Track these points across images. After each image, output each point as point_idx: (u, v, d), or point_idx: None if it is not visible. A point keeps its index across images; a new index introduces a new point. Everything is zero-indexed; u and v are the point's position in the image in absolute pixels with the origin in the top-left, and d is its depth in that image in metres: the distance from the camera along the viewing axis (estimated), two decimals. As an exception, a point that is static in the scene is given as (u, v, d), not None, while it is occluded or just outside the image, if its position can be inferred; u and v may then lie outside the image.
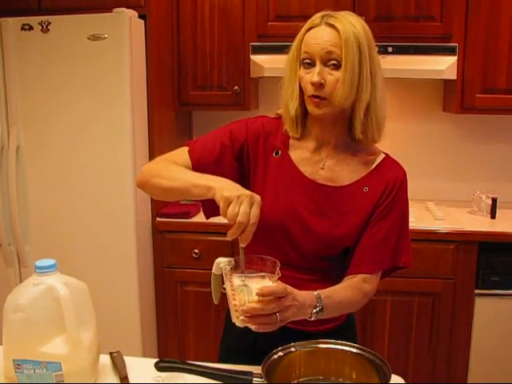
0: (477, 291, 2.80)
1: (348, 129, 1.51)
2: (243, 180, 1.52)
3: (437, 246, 2.79)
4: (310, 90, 1.42)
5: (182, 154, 1.53)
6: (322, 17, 1.42)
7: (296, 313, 1.27)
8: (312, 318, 1.33)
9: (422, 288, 2.82)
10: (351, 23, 1.39)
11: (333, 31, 1.39)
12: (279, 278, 1.27)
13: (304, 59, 1.42)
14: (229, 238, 1.25)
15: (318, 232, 1.48)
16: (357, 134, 1.48)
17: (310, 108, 1.45)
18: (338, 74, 1.39)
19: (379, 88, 1.45)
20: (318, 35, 1.40)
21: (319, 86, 1.39)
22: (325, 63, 1.39)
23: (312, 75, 1.40)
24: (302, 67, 1.44)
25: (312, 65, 1.41)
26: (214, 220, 1.59)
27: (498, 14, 2.87)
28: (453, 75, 2.92)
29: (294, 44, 1.47)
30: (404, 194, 1.53)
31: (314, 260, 1.51)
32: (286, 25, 2.94)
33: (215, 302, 1.48)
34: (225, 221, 1.25)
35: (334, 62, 1.38)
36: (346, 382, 1.31)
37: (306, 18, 1.47)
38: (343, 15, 1.42)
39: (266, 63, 2.98)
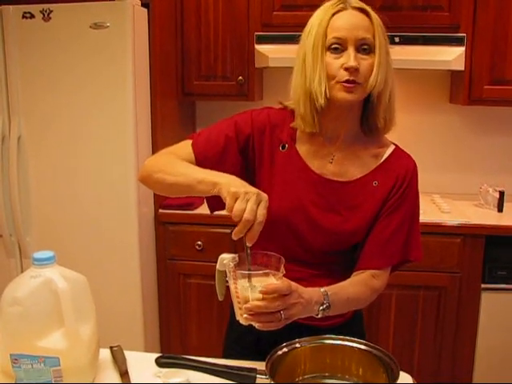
0: (483, 285, 2.77)
1: (360, 120, 1.48)
2: (248, 174, 1.48)
3: (443, 239, 2.76)
4: (343, 76, 1.35)
5: (186, 147, 1.49)
6: (343, 1, 1.38)
7: (302, 310, 1.24)
8: (319, 316, 1.30)
9: (428, 282, 2.80)
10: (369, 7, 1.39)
11: (362, 16, 1.36)
12: (284, 275, 1.24)
13: (332, 44, 1.36)
14: (234, 237, 1.20)
15: (327, 228, 1.45)
16: (379, 122, 1.44)
17: (341, 94, 1.37)
18: (370, 59, 1.36)
19: (394, 73, 1.44)
20: (349, 20, 1.36)
21: (355, 70, 1.35)
22: (357, 48, 1.35)
23: (346, 59, 1.34)
24: (327, 52, 1.37)
25: (341, 50, 1.36)
26: (217, 212, 1.54)
27: (506, 4, 2.82)
28: (460, 66, 2.88)
29: (316, 30, 1.38)
30: (414, 187, 1.50)
31: (320, 255, 1.48)
32: (292, 14, 2.91)
33: (220, 298, 1.45)
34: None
35: (366, 46, 1.35)
36: (351, 379, 1.29)
37: (312, 7, 1.43)
38: (357, 1, 1.39)
39: (271, 53, 2.94)
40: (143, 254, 2.84)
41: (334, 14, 1.37)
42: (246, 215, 1.17)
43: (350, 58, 1.34)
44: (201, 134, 1.52)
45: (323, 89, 1.38)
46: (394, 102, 1.46)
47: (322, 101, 1.39)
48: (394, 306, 2.85)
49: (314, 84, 1.38)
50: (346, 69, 1.34)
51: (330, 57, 1.37)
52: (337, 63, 1.36)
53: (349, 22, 1.35)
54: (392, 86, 1.43)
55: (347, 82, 1.35)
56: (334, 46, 1.36)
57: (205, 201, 1.51)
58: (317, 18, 1.40)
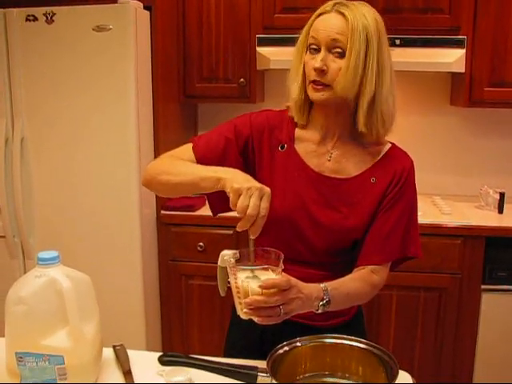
0: (483, 286, 2.78)
1: (352, 120, 1.50)
2: (249, 174, 1.49)
3: (443, 240, 2.76)
4: (312, 76, 1.41)
5: (187, 150, 1.52)
6: (334, 4, 1.41)
7: (301, 305, 1.26)
8: (319, 311, 1.31)
9: (428, 283, 2.80)
10: (363, 14, 1.38)
11: (341, 19, 1.37)
12: (283, 271, 1.26)
13: (310, 44, 1.41)
14: (238, 230, 1.24)
15: (328, 225, 1.47)
16: (360, 127, 1.46)
17: (311, 93, 1.43)
18: (341, 62, 1.38)
19: (386, 83, 1.42)
20: (327, 22, 1.39)
21: (321, 72, 1.38)
22: (330, 50, 1.38)
23: (315, 61, 1.39)
24: (308, 52, 1.43)
25: (318, 51, 1.40)
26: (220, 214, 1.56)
27: (507, 7, 2.83)
28: (461, 68, 2.89)
29: (304, 29, 1.46)
30: (411, 184, 1.52)
31: (322, 254, 1.50)
32: (293, 17, 2.92)
33: (222, 294, 1.47)
34: (230, 214, 1.24)
35: (339, 50, 1.37)
36: (351, 378, 1.30)
37: (313, 9, 1.46)
38: (357, 5, 1.40)
39: (272, 55, 2.95)
40: (145, 254, 2.86)
41: (319, 16, 1.42)
42: (250, 211, 1.20)
43: (317, 59, 1.38)
44: (201, 138, 1.55)
45: (296, 84, 1.46)
46: (379, 112, 1.43)
47: (294, 95, 1.48)
48: (395, 307, 2.86)
49: (291, 79, 1.48)
50: (314, 69, 1.39)
51: (308, 56, 1.43)
52: (311, 63, 1.41)
53: (326, 24, 1.39)
54: (376, 95, 1.41)
55: (314, 82, 1.41)
56: (311, 47, 1.41)
57: (207, 203, 1.53)
58: (310, 18, 1.46)
